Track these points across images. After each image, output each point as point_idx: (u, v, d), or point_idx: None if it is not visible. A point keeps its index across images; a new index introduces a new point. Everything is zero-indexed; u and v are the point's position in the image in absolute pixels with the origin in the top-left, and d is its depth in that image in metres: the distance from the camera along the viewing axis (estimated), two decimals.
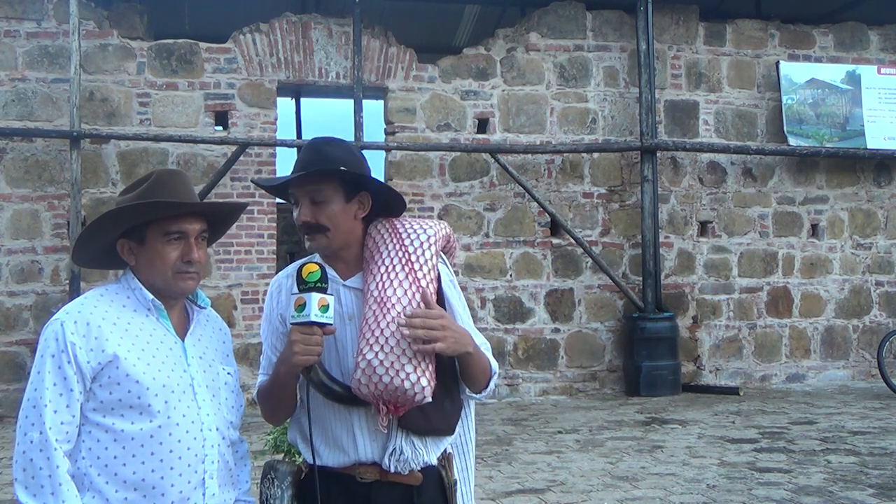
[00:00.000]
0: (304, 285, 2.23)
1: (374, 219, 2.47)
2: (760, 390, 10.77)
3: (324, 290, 2.22)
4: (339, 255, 2.43)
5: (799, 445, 7.47)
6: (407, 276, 2.33)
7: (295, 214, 2.41)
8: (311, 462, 2.35)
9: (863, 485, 6.09)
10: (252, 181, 2.35)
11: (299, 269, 2.26)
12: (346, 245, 2.42)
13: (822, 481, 6.22)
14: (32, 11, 9.55)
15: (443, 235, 2.48)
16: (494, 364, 2.45)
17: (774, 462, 6.88)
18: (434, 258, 2.41)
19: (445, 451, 2.44)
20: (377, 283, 2.33)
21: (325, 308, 2.21)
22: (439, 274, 2.43)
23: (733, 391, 10.39)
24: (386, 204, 2.47)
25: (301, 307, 2.20)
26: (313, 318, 2.19)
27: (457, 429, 2.47)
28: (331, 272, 2.41)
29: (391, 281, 2.32)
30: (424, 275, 2.35)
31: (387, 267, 2.35)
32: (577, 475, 6.56)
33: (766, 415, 9.03)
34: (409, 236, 2.41)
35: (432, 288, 2.36)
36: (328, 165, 2.36)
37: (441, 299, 2.41)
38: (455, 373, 2.42)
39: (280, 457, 2.53)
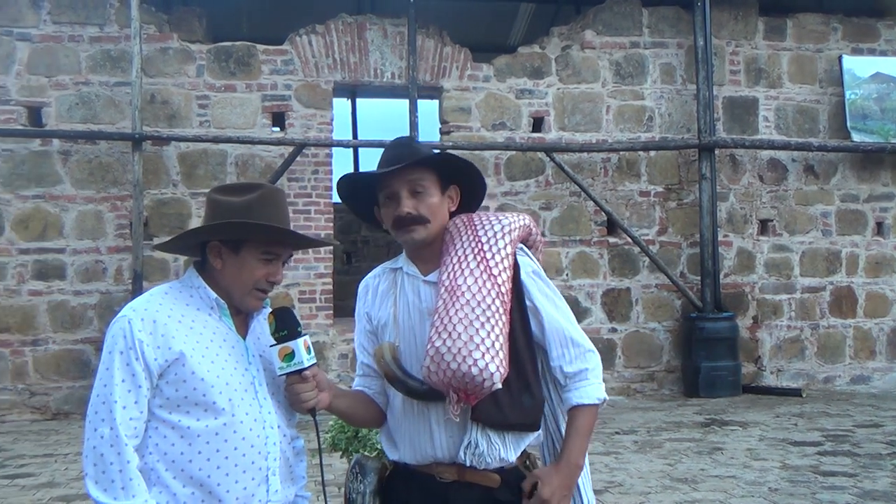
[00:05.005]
0: (278, 333, 2.26)
1: (454, 215, 2.51)
2: (824, 392, 10.55)
3: (298, 334, 2.25)
4: (423, 251, 2.45)
5: (864, 449, 7.30)
6: (479, 265, 2.33)
7: (384, 211, 2.43)
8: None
9: None
10: (344, 177, 2.39)
11: (270, 322, 2.29)
12: (436, 238, 2.44)
13: (888, 486, 6.07)
14: (95, 16, 9.76)
15: (520, 226, 2.47)
16: (601, 394, 2.42)
17: (839, 466, 6.73)
18: (508, 247, 2.39)
19: (529, 452, 2.42)
20: (449, 273, 2.35)
21: (308, 350, 2.26)
22: (518, 264, 2.42)
23: (796, 393, 10.19)
24: (466, 200, 2.53)
25: (289, 356, 2.24)
26: (306, 364, 2.25)
27: (560, 430, 2.46)
28: (412, 269, 2.45)
29: (462, 270, 2.33)
30: (497, 263, 2.35)
31: (459, 257, 2.36)
32: (636, 476, 6.50)
33: (830, 417, 8.84)
34: (482, 227, 2.42)
35: (505, 276, 2.35)
36: (423, 158, 2.40)
37: (519, 290, 2.39)
38: (536, 368, 2.40)
39: (372, 454, 2.57)
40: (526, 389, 2.36)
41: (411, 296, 2.44)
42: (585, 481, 2.48)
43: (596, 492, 5.95)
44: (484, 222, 2.44)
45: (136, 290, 8.96)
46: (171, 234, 2.45)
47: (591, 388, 2.40)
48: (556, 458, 2.41)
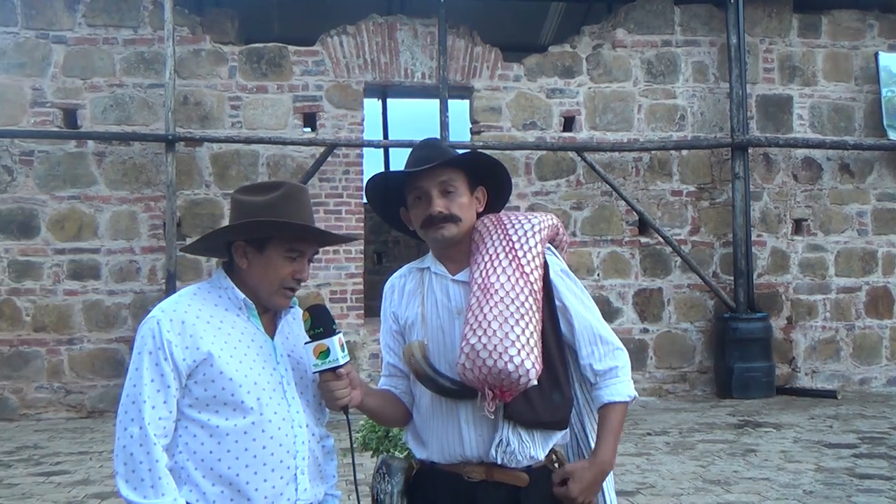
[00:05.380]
0: (314, 330, 2.26)
1: (479, 216, 2.52)
2: (859, 394, 10.40)
3: (333, 331, 2.25)
4: (451, 250, 2.46)
5: None
6: (511, 263, 2.34)
7: (414, 211, 2.44)
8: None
9: None
10: (375, 176, 2.43)
11: (305, 319, 2.29)
12: (465, 238, 2.45)
13: None
14: (129, 19, 9.86)
15: (548, 226, 2.49)
16: (631, 392, 2.44)
17: (875, 468, 6.63)
18: (539, 246, 2.41)
19: (556, 449, 2.43)
20: (481, 272, 2.35)
21: (342, 347, 2.26)
22: (547, 263, 2.43)
23: (830, 394, 10.06)
24: (492, 201, 2.54)
25: (324, 354, 2.24)
26: (341, 361, 2.25)
27: (585, 430, 2.47)
28: (439, 269, 2.46)
29: (495, 268, 2.34)
30: (529, 262, 2.36)
31: (490, 256, 2.37)
32: (668, 478, 6.45)
33: (866, 419, 8.72)
34: (513, 226, 2.43)
35: (537, 275, 2.36)
36: (454, 158, 2.42)
37: (548, 289, 2.40)
38: (566, 366, 2.42)
39: (402, 454, 2.59)
40: (556, 387, 2.37)
41: (440, 295, 2.45)
42: (608, 480, 2.48)
43: (627, 493, 5.94)
44: (514, 221, 2.45)
45: (170, 290, 9.04)
46: (204, 234, 2.52)
47: (622, 385, 2.42)
48: (590, 455, 2.42)
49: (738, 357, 10.05)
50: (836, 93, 10.97)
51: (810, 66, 10.94)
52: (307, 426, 2.34)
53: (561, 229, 2.55)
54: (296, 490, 2.29)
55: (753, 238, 10.49)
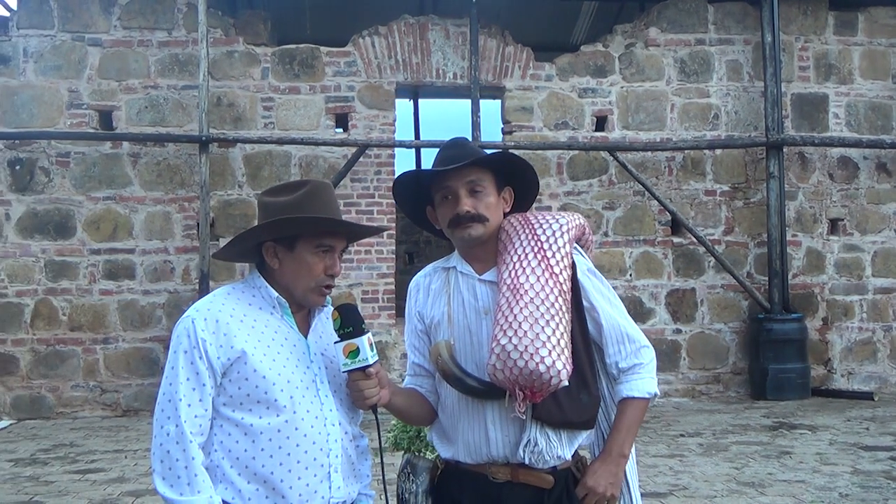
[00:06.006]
0: (343, 330, 2.25)
1: (506, 216, 2.52)
2: None
3: (362, 331, 2.25)
4: (477, 250, 2.46)
5: None
6: (539, 264, 2.34)
7: (441, 210, 2.45)
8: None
9: None
10: (403, 175, 2.45)
11: (335, 318, 2.28)
12: (491, 237, 2.46)
13: None
14: (164, 21, 9.96)
15: (576, 226, 2.49)
16: (653, 389, 2.46)
17: None
18: (567, 246, 2.41)
19: (579, 453, 2.44)
20: (510, 272, 2.36)
21: (371, 347, 2.26)
22: (574, 263, 2.43)
23: (867, 396, 9.93)
24: (518, 202, 2.55)
25: (354, 353, 2.24)
26: (371, 361, 2.25)
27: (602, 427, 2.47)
28: (466, 268, 2.45)
29: (524, 268, 2.34)
30: (557, 262, 2.36)
31: (519, 256, 2.37)
32: (701, 480, 6.40)
33: None
34: (540, 226, 2.43)
35: (566, 275, 2.36)
36: (483, 157, 2.43)
37: (576, 289, 2.41)
38: (593, 366, 2.42)
39: (433, 454, 2.60)
40: (584, 387, 2.37)
41: (466, 294, 2.45)
42: (632, 480, 2.47)
43: (660, 495, 5.90)
44: (541, 221, 2.45)
45: (203, 290, 9.13)
46: (237, 234, 2.54)
47: (644, 382, 2.43)
48: (603, 448, 2.44)
49: (772, 358, 9.95)
50: (872, 91, 10.82)
51: (846, 64, 10.80)
52: (340, 424, 2.35)
53: (587, 229, 2.56)
54: (329, 488, 2.30)
55: (788, 238, 10.38)
